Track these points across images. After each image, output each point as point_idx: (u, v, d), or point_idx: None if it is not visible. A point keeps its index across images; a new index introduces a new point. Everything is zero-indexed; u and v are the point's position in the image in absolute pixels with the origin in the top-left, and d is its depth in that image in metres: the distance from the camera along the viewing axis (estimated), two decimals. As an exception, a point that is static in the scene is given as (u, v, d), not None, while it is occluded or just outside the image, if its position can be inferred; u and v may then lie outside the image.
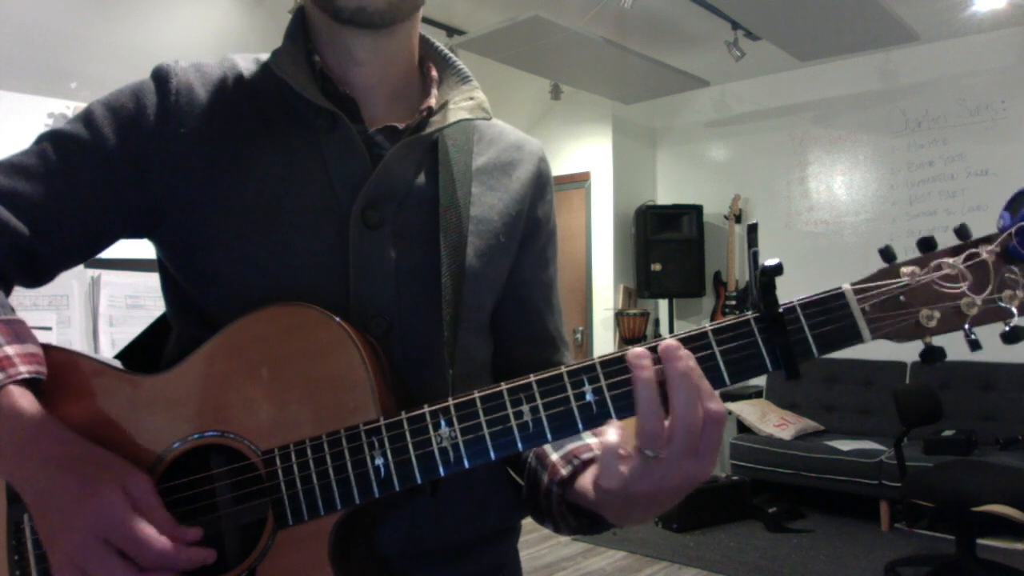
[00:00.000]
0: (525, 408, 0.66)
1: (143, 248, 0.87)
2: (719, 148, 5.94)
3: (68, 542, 0.65)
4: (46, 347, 0.76)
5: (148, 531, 0.64)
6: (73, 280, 2.55)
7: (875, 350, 4.52)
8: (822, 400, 5.04)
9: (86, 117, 0.78)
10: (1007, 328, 0.62)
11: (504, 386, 0.66)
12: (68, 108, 3.24)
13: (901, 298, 0.63)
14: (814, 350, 0.63)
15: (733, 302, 5.56)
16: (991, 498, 3.10)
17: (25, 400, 0.70)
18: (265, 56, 0.84)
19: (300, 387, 0.71)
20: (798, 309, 0.64)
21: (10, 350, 0.71)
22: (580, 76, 5.08)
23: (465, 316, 0.82)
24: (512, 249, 0.88)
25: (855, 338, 0.63)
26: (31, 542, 0.72)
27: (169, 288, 0.85)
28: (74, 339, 2.56)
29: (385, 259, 0.78)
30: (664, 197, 6.19)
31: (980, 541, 3.56)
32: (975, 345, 0.63)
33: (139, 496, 0.67)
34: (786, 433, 4.67)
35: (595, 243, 6.01)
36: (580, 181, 6.07)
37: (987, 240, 0.63)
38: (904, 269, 0.63)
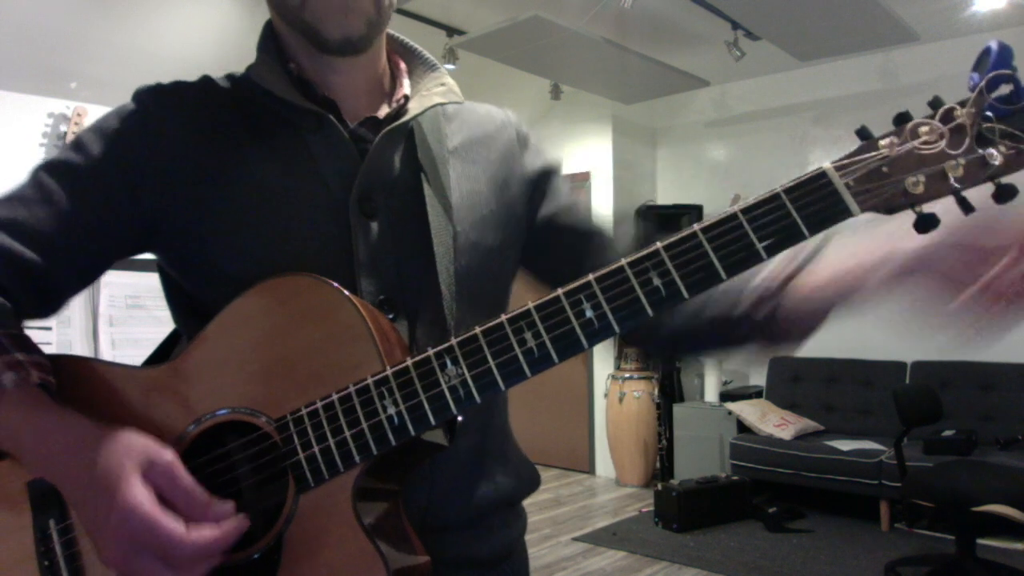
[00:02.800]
0: (528, 335, 0.67)
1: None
2: (719, 148, 5.94)
3: (107, 554, 0.66)
4: (51, 357, 0.77)
5: (174, 532, 0.64)
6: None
7: (875, 350, 4.47)
8: (822, 400, 5.04)
9: (76, 144, 0.81)
10: (995, 188, 0.61)
11: (504, 317, 0.68)
12: (68, 108, 3.24)
13: (884, 169, 0.63)
14: (804, 231, 0.63)
15: (733, 302, 5.55)
16: (991, 498, 3.10)
17: (39, 400, 0.72)
18: (238, 73, 0.88)
19: (302, 351, 0.72)
20: (782, 195, 0.64)
21: (20, 356, 0.73)
22: (580, 76, 5.08)
23: (467, 292, 0.84)
24: (513, 213, 0.91)
25: (843, 213, 0.63)
26: (59, 546, 0.73)
27: (173, 294, 0.88)
28: (74, 339, 2.56)
29: (385, 247, 0.81)
30: (664, 197, 6.19)
31: (980, 541, 3.56)
32: (966, 206, 0.62)
33: (164, 481, 0.67)
34: (786, 433, 4.67)
35: (595, 243, 5.99)
36: (580, 181, 6.07)
37: (961, 104, 0.62)
38: (883, 142, 0.63)
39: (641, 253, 0.66)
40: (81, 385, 0.77)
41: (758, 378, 5.52)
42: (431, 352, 0.69)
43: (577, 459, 6.07)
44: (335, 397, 0.70)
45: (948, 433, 4.18)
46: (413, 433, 0.68)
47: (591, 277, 0.66)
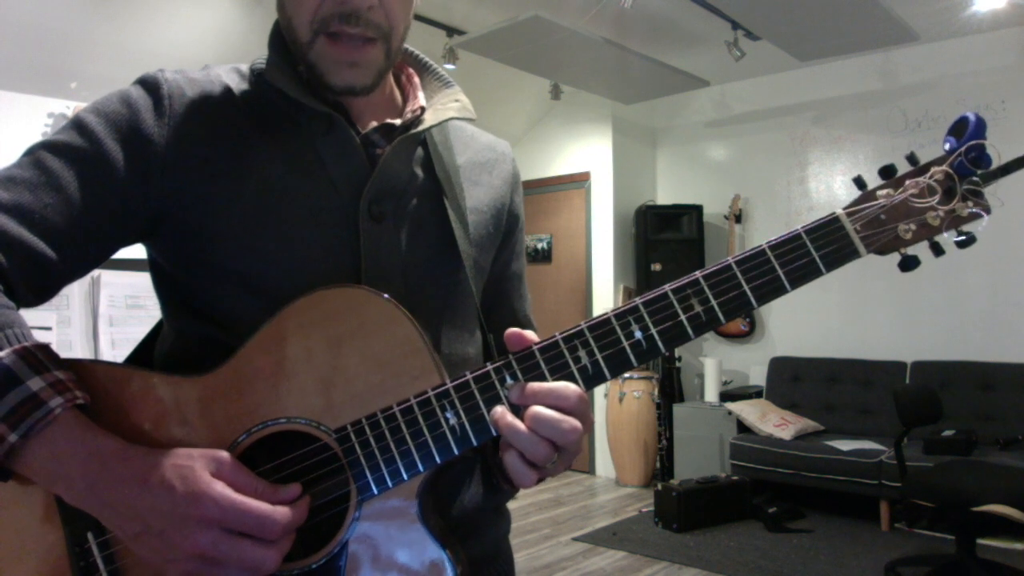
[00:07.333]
0: (582, 353, 0.72)
1: (143, 248, 0.86)
2: (719, 148, 5.94)
3: (192, 546, 0.64)
4: (69, 362, 0.73)
5: (262, 506, 0.66)
6: (73, 280, 2.54)
7: (875, 350, 4.47)
8: (822, 400, 5.05)
9: (78, 126, 0.77)
10: (960, 238, 0.72)
11: (559, 336, 0.73)
12: (68, 108, 3.24)
13: (882, 216, 0.72)
14: (822, 268, 0.71)
15: (733, 302, 5.55)
16: (991, 498, 3.10)
17: (83, 425, 0.68)
18: (243, 67, 0.86)
19: (359, 362, 0.73)
20: (803, 235, 0.72)
21: (60, 375, 0.68)
22: (580, 76, 5.08)
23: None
24: (497, 241, 0.94)
25: (854, 254, 0.72)
26: (101, 559, 0.71)
27: (166, 288, 0.85)
28: (74, 339, 2.56)
29: (393, 251, 0.82)
30: (664, 197, 6.19)
31: (980, 541, 3.56)
32: (938, 250, 0.73)
33: (230, 475, 0.67)
34: (786, 433, 4.68)
35: (595, 243, 6.01)
36: (580, 181, 6.07)
37: (938, 162, 0.73)
38: (880, 192, 0.73)
39: (683, 282, 0.72)
40: (116, 397, 0.73)
41: (758, 378, 5.53)
42: (490, 367, 0.72)
43: (577, 459, 6.06)
44: (396, 409, 0.71)
45: (948, 433, 4.18)
46: (475, 443, 0.71)
47: (638, 302, 0.72)
